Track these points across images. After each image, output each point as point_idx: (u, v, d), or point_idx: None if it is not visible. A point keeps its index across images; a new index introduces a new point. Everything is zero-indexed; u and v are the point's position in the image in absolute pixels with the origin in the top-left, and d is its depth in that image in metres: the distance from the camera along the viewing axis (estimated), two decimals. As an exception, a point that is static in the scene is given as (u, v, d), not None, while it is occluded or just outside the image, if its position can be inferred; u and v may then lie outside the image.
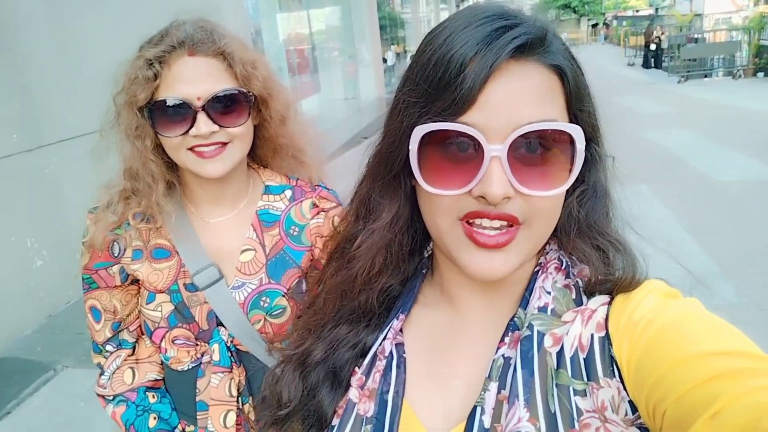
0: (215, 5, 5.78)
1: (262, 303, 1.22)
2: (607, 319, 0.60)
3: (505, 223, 0.60)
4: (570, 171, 0.60)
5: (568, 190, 0.66)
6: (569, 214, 0.66)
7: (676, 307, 0.57)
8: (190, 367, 1.24)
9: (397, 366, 0.70)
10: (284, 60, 10.73)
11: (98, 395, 1.29)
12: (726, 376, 0.48)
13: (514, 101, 0.58)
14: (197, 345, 1.23)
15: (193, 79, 1.10)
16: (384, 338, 0.73)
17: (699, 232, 4.99)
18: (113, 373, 1.27)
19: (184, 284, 1.20)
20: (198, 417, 1.24)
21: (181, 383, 1.27)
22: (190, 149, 1.12)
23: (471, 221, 0.61)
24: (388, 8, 21.00)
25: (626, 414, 0.56)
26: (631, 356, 0.55)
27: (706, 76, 16.79)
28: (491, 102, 0.57)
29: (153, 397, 1.29)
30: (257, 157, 1.32)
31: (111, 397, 1.27)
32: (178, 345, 1.23)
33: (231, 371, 1.21)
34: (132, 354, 1.31)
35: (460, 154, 0.59)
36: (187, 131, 1.10)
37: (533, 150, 0.59)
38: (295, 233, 1.29)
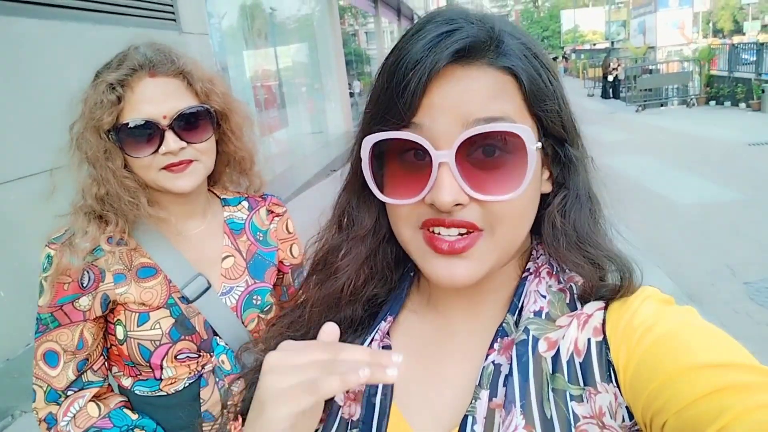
0: (180, 42, 5.80)
1: (254, 301, 1.28)
2: (604, 324, 0.59)
3: (463, 230, 0.58)
4: (525, 172, 0.58)
5: (549, 197, 0.66)
6: (553, 225, 0.65)
7: (675, 315, 0.56)
8: (186, 384, 1.22)
9: None
10: (251, 96, 10.77)
11: None
12: (730, 390, 0.47)
13: (458, 103, 0.57)
14: (199, 357, 1.22)
15: (157, 99, 1.13)
16: (372, 340, 0.71)
17: (661, 253, 5.11)
18: (76, 413, 1.16)
19: (178, 297, 1.20)
20: (204, 428, 1.20)
21: (171, 407, 1.22)
22: (163, 168, 1.15)
23: (431, 229, 0.60)
24: (353, 44, 21.38)
25: (623, 420, 0.55)
26: (629, 362, 0.55)
27: (662, 105, 17.39)
28: (435, 106, 0.57)
29: (133, 413, 1.22)
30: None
31: None
32: (180, 360, 1.20)
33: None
34: (100, 391, 1.22)
35: (413, 162, 0.59)
36: (157, 150, 1.13)
37: (485, 153, 0.57)
38: (260, 238, 1.36)
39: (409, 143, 0.58)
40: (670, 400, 0.49)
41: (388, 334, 0.72)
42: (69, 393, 1.17)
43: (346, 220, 0.72)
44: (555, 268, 0.67)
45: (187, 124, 1.15)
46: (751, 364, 0.50)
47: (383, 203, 0.67)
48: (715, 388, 0.47)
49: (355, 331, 0.74)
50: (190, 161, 1.17)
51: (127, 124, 1.12)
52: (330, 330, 0.57)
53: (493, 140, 0.57)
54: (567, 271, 0.66)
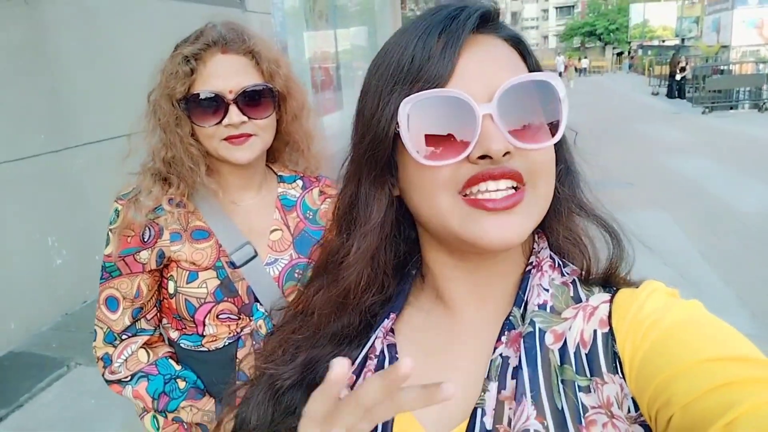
0: (242, 20, 5.93)
1: (296, 275, 1.34)
2: (610, 316, 0.60)
3: (510, 184, 0.58)
4: (559, 121, 0.60)
5: None
6: (555, 196, 0.65)
7: (682, 309, 0.56)
8: (226, 343, 1.30)
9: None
10: (309, 77, 10.90)
11: (110, 382, 1.29)
12: (738, 384, 0.47)
13: (489, 68, 0.60)
14: (239, 319, 1.30)
15: (226, 75, 1.22)
16: (375, 338, 0.71)
17: (717, 260, 4.94)
18: (128, 357, 1.29)
19: (226, 261, 1.28)
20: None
21: (210, 363, 1.32)
22: (224, 139, 1.23)
23: (472, 193, 0.59)
24: (413, 30, 21.25)
25: (629, 411, 0.55)
26: (635, 355, 0.55)
27: (731, 108, 16.58)
28: (469, 70, 0.59)
29: (177, 364, 1.33)
30: (269, 149, 1.39)
31: (128, 378, 1.28)
32: (222, 320, 1.29)
33: None
34: (151, 339, 1.34)
35: (451, 123, 0.58)
36: (220, 121, 1.21)
37: (521, 106, 0.59)
38: (310, 216, 1.42)
39: (447, 102, 0.58)
40: (677, 394, 0.49)
41: (392, 331, 0.71)
42: (124, 337, 1.29)
43: (351, 216, 0.69)
44: (557, 261, 0.68)
45: (250, 100, 1.23)
46: (758, 357, 0.50)
47: (391, 200, 0.67)
48: (722, 382, 0.47)
49: (350, 342, 0.73)
50: (249, 135, 1.24)
51: (197, 94, 1.21)
52: (342, 363, 0.49)
53: (528, 91, 0.59)
54: (568, 263, 0.68)
